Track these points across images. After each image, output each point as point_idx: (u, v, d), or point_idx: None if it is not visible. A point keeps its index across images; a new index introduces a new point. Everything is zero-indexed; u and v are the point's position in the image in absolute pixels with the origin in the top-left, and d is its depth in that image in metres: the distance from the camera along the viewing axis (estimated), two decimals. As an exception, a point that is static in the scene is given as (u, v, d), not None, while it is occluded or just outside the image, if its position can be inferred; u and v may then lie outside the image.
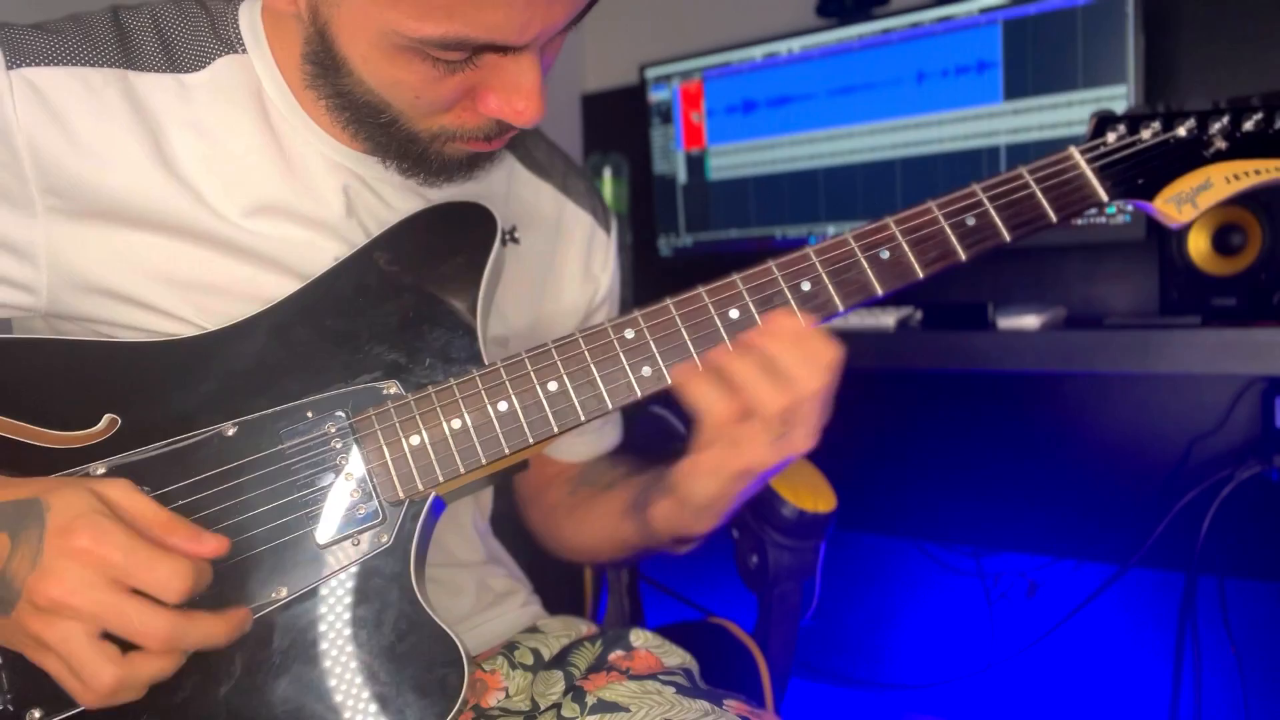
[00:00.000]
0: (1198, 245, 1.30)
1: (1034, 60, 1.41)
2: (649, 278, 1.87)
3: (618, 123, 2.00)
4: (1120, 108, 1.33)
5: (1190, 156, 0.74)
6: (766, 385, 0.64)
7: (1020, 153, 1.43)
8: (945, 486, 1.69)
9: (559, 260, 0.90)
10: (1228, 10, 1.40)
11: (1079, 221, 1.40)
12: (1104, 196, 0.73)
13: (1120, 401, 1.53)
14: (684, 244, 1.80)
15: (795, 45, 1.62)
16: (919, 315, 1.43)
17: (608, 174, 1.92)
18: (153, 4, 0.73)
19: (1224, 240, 1.29)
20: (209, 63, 0.72)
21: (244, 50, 0.73)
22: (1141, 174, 0.74)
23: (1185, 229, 1.30)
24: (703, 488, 0.71)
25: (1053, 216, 0.72)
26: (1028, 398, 1.62)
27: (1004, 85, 1.44)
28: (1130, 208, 1.37)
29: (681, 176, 1.78)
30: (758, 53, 1.66)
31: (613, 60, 2.06)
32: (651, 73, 1.78)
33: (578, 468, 0.94)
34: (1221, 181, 0.74)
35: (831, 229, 1.62)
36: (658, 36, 1.99)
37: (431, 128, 0.68)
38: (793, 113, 1.64)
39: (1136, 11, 1.31)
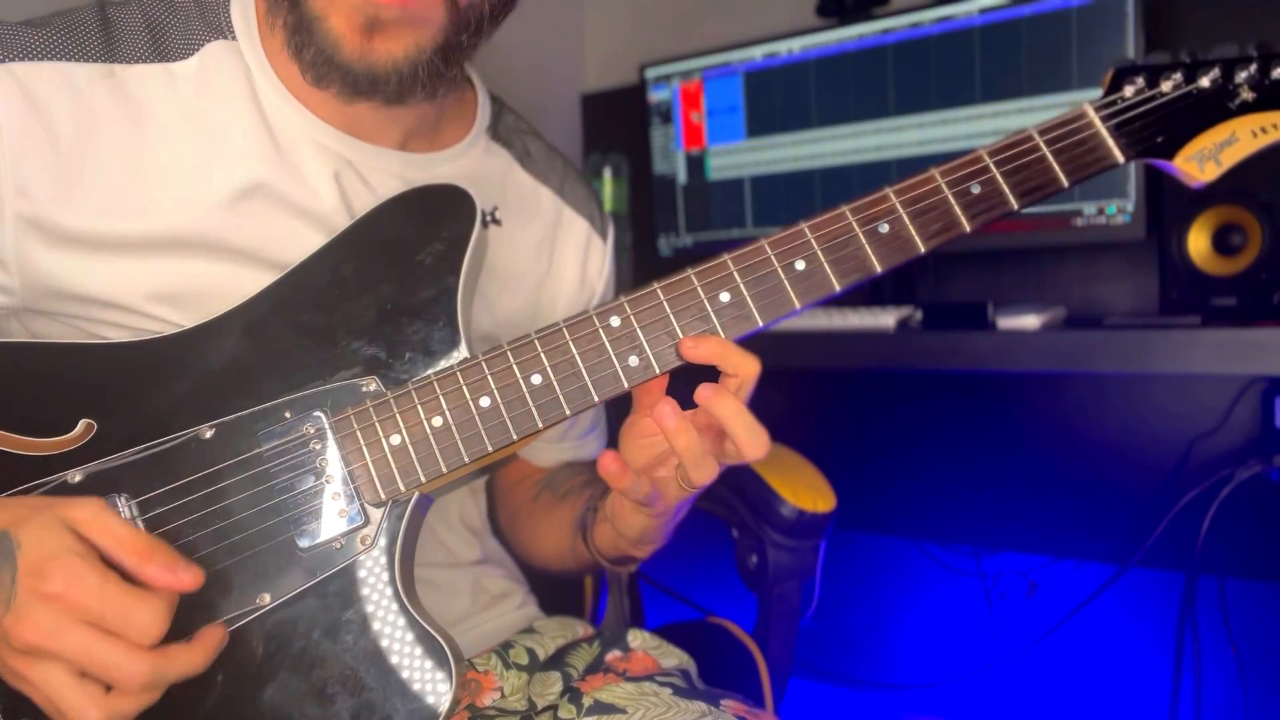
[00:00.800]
0: (1198, 245, 1.30)
1: (1030, 61, 1.41)
2: (649, 278, 1.86)
3: (618, 123, 2.00)
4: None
5: (1214, 109, 0.68)
6: (703, 457, 0.64)
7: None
8: (945, 486, 1.69)
9: (555, 265, 0.88)
10: (1227, 10, 1.40)
11: (1079, 222, 1.40)
12: (1119, 157, 0.68)
13: (1120, 401, 1.53)
14: (684, 244, 1.80)
15: (795, 45, 1.62)
16: (919, 315, 1.43)
17: (608, 174, 1.92)
18: None
19: (1224, 240, 1.29)
20: (197, 49, 0.71)
21: (233, 36, 0.72)
22: (1161, 130, 0.68)
23: (1188, 226, 1.30)
24: (634, 523, 0.72)
25: (1064, 181, 0.67)
26: (1028, 398, 1.62)
27: (1002, 87, 1.43)
28: (1130, 206, 1.37)
29: (681, 176, 1.78)
30: (758, 53, 1.66)
31: (613, 60, 2.06)
32: (651, 73, 1.78)
33: (546, 472, 0.92)
34: (1248, 135, 0.68)
35: (831, 229, 1.62)
36: (658, 36, 1.99)
37: None
38: (793, 113, 1.64)
39: (1136, 11, 1.31)
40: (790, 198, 1.66)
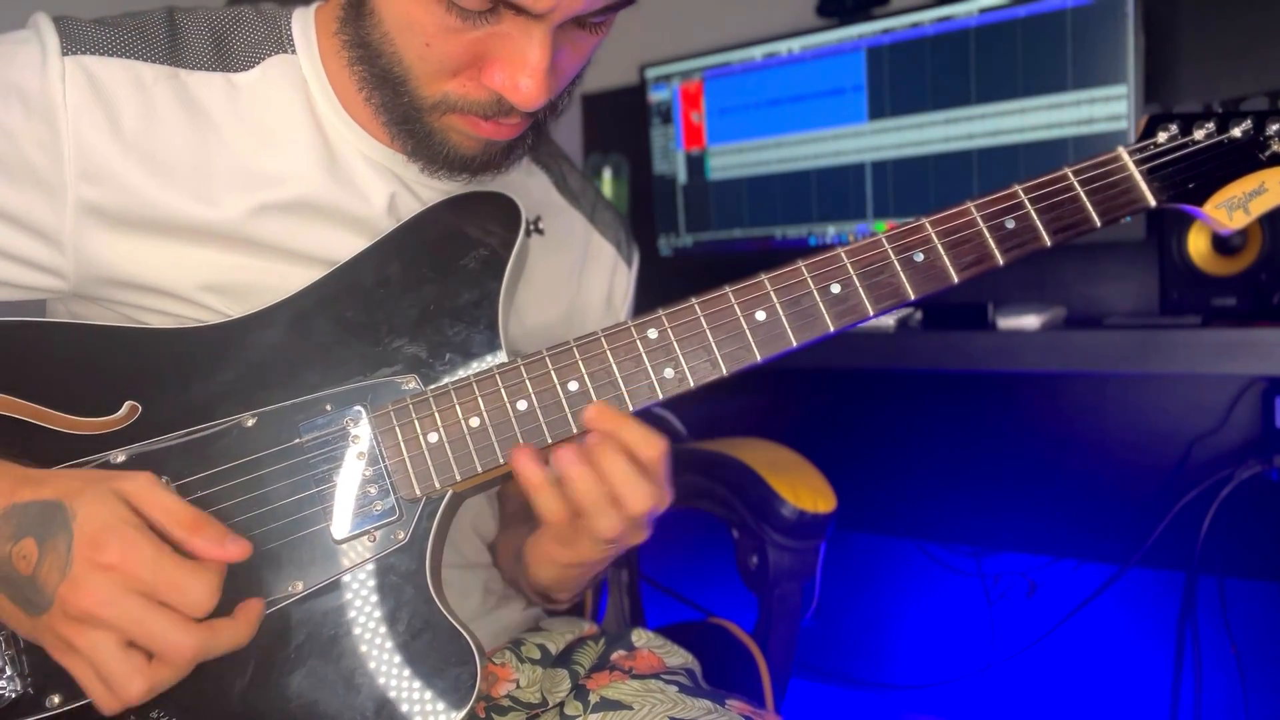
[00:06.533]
0: (1198, 245, 1.30)
1: (1026, 62, 1.41)
2: (649, 278, 1.86)
3: (618, 123, 2.00)
4: (1120, 108, 1.33)
5: (1245, 160, 0.70)
6: (595, 501, 0.63)
7: (1011, 154, 1.42)
8: (945, 486, 1.69)
9: (584, 287, 0.90)
10: (1228, 10, 1.40)
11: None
12: (1151, 201, 0.69)
13: (1120, 401, 1.53)
14: (684, 244, 1.80)
15: (795, 45, 1.62)
16: (919, 315, 1.43)
17: (608, 174, 1.92)
18: (207, 8, 0.75)
19: (1224, 241, 1.29)
20: (259, 62, 0.73)
21: (293, 51, 0.74)
22: (1193, 177, 0.70)
23: (1188, 226, 1.30)
24: (546, 572, 0.74)
25: (1097, 221, 0.69)
26: (1028, 398, 1.62)
27: (1003, 87, 1.43)
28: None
29: (681, 176, 1.78)
30: (758, 53, 1.66)
31: (613, 60, 2.06)
32: (651, 73, 1.78)
33: None
34: (1277, 186, 0.69)
35: (831, 229, 1.63)
36: (658, 36, 1.98)
37: (435, 94, 0.68)
38: (793, 113, 1.64)
39: (1136, 11, 1.31)
40: (789, 198, 1.66)
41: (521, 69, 0.63)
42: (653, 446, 0.64)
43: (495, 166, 0.75)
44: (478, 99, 0.67)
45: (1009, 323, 1.31)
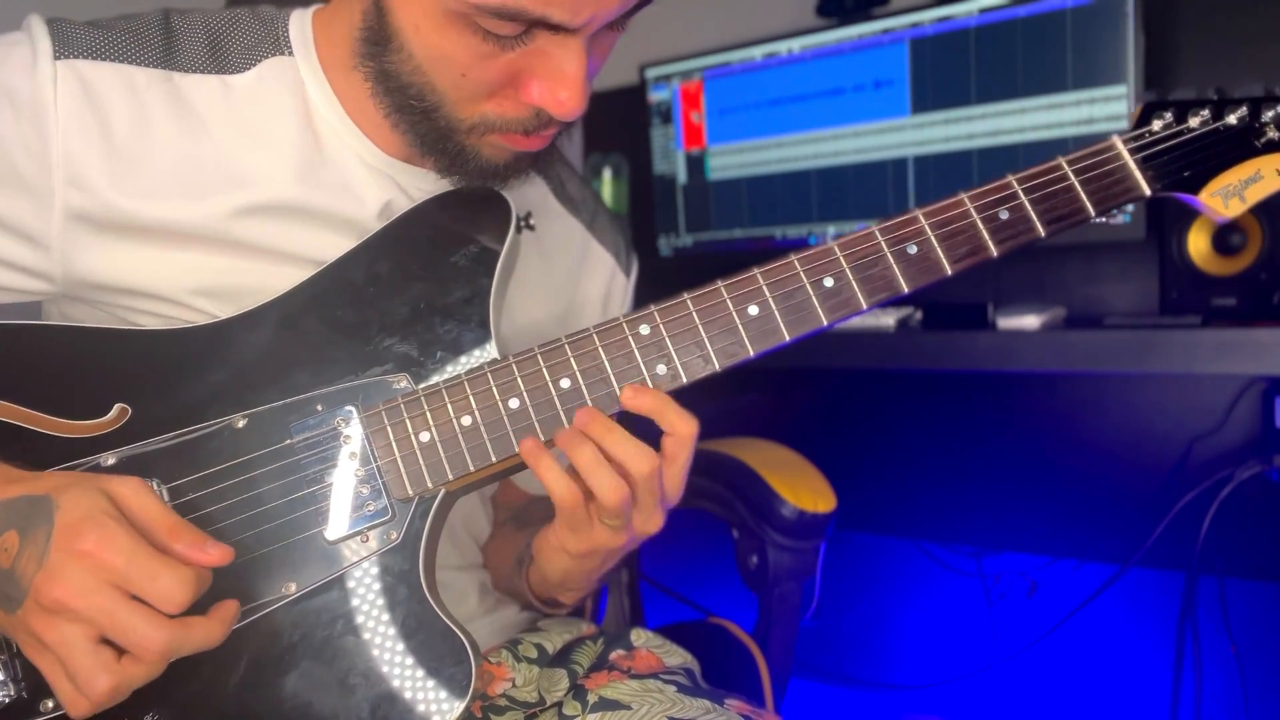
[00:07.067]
0: (1198, 245, 1.30)
1: (1026, 62, 1.41)
2: (649, 278, 1.87)
3: (618, 123, 1.99)
4: (1120, 108, 1.33)
5: (1241, 147, 0.69)
6: (605, 476, 0.63)
7: (1011, 154, 1.43)
8: (945, 486, 1.69)
9: (579, 295, 0.90)
10: (1228, 10, 1.40)
11: (1079, 221, 1.40)
12: (1146, 190, 0.69)
13: (1120, 401, 1.53)
14: (684, 244, 1.80)
15: (795, 45, 1.62)
16: (919, 315, 1.43)
17: (608, 174, 1.92)
18: (204, 10, 0.74)
19: (1224, 240, 1.29)
20: (255, 64, 0.73)
21: (290, 53, 0.74)
22: (1188, 165, 0.69)
23: (1188, 226, 1.30)
24: (555, 564, 0.72)
25: (1091, 211, 0.68)
26: (1028, 398, 1.62)
27: (1007, 87, 1.43)
28: (1130, 206, 1.37)
29: (681, 176, 1.78)
30: (758, 53, 1.66)
31: (613, 60, 2.05)
32: (651, 73, 1.78)
33: (524, 499, 0.92)
34: (1273, 174, 0.69)
35: (831, 229, 1.62)
36: (658, 36, 1.98)
37: (472, 116, 0.67)
38: (793, 113, 1.64)
39: (1136, 11, 1.31)
40: (789, 198, 1.66)
41: (561, 83, 0.64)
42: (688, 425, 0.65)
43: (524, 171, 0.75)
44: (517, 116, 0.67)
45: (1009, 323, 1.31)
